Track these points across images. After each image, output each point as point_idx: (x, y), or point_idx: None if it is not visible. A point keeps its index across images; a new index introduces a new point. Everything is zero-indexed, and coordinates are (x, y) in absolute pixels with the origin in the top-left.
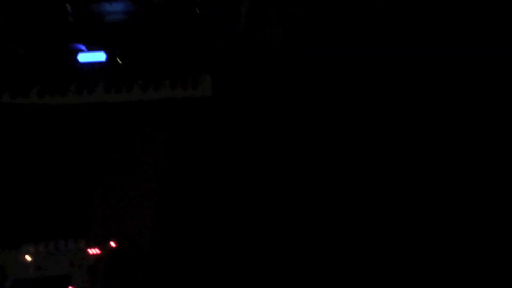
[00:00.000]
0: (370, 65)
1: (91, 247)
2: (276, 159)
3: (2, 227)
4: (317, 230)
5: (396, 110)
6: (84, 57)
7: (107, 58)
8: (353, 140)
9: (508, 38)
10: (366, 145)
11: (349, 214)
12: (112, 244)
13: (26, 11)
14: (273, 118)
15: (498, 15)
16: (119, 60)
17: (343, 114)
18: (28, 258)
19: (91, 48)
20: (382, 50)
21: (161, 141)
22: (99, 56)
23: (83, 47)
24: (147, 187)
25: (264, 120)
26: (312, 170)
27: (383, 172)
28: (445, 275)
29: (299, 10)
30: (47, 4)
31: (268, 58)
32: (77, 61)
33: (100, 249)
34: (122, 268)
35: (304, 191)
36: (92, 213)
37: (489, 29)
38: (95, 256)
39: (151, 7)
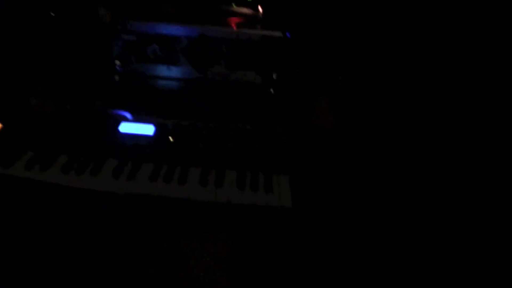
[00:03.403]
0: None
1: None
2: None
3: None
4: None
5: None
6: (127, 127)
7: (156, 133)
8: None
9: None
10: None
11: None
12: None
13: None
14: None
15: None
16: (170, 138)
17: None
18: None
19: (137, 117)
20: None
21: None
22: (147, 129)
23: (128, 115)
24: None
25: None
26: None
27: None
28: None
29: None
30: (92, 56)
31: None
32: (117, 131)
33: None
34: None
35: None
36: None
37: None
38: None
39: (213, 80)
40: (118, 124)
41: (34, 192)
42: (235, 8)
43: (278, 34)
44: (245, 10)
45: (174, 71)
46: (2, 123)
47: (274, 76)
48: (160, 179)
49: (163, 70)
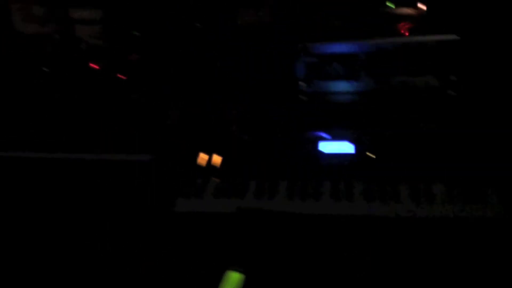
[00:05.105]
0: None
1: None
2: None
3: None
4: None
5: None
6: (328, 147)
7: (357, 150)
8: None
9: None
10: None
11: None
12: None
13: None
14: None
15: None
16: (371, 154)
17: None
18: None
19: (334, 136)
20: None
21: None
22: (347, 147)
23: (324, 135)
24: None
25: None
26: None
27: None
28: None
29: None
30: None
31: None
32: (319, 151)
33: None
34: None
35: None
36: None
37: None
38: None
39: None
40: (316, 144)
41: (263, 221)
42: (395, 9)
43: (452, 37)
44: (407, 11)
45: (354, 85)
46: (221, 156)
47: (453, 78)
48: (377, 199)
49: (345, 86)
